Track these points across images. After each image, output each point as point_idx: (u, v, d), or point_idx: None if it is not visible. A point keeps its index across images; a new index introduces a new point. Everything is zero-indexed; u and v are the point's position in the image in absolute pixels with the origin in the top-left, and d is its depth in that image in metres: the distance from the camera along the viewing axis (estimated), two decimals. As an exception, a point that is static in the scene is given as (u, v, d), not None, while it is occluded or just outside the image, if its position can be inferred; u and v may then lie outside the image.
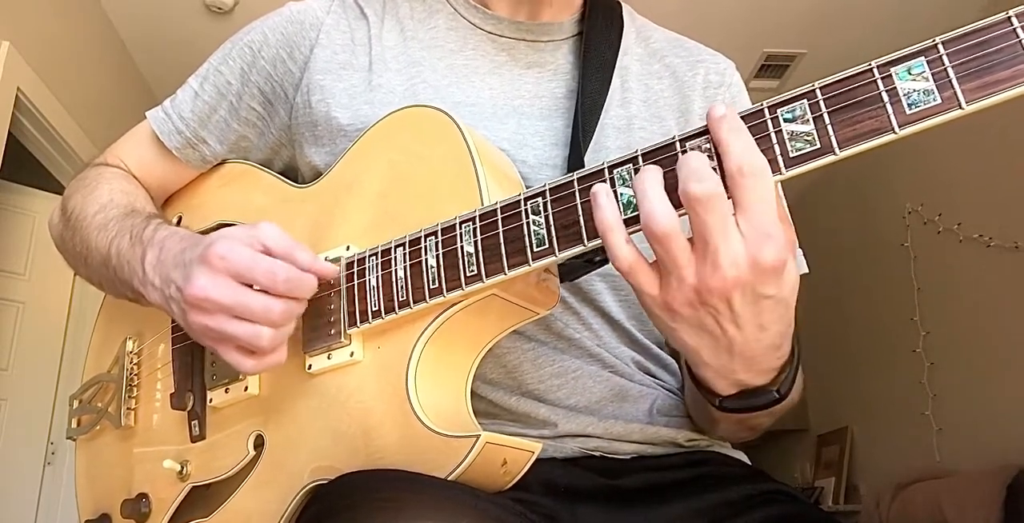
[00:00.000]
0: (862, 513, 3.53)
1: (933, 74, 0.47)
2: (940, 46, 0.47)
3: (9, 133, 2.53)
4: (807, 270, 0.84)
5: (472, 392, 0.69)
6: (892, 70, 0.48)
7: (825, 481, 4.07)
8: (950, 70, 0.46)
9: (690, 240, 0.51)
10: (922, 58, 0.47)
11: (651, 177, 0.51)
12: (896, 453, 3.62)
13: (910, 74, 0.47)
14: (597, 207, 0.53)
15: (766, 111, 0.51)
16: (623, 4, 0.91)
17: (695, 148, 0.52)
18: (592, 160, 0.76)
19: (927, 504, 2.87)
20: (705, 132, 0.53)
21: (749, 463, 0.80)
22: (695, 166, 0.49)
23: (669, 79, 0.87)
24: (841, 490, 3.92)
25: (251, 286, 0.63)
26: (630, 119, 0.83)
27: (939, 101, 0.47)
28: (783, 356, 0.59)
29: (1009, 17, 0.45)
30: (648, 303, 0.55)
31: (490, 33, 0.85)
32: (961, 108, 0.46)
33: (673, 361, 0.86)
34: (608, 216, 0.53)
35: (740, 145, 0.50)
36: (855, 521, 3.56)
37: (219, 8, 3.13)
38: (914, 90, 0.47)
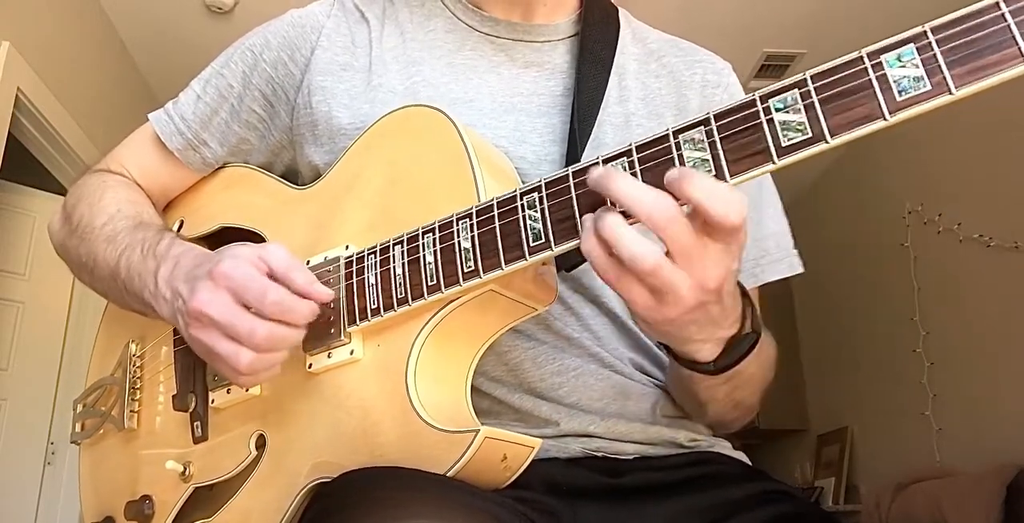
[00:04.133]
0: (862, 513, 3.53)
1: (922, 60, 0.47)
2: (929, 33, 0.47)
3: (9, 133, 2.53)
4: (801, 269, 0.84)
5: (475, 389, 0.70)
6: (882, 58, 0.48)
7: (825, 481, 4.07)
8: (939, 56, 0.47)
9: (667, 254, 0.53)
10: (911, 45, 0.48)
11: (614, 220, 0.52)
12: (896, 453, 3.63)
13: (900, 61, 0.48)
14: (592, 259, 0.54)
15: (757, 101, 0.52)
16: (619, 7, 0.92)
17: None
18: (591, 157, 0.77)
19: (927, 504, 2.87)
20: (699, 124, 0.53)
21: (750, 463, 0.81)
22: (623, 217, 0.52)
23: (667, 78, 0.87)
24: (841, 490, 3.92)
25: (250, 308, 0.64)
26: (628, 116, 0.83)
27: (929, 87, 0.47)
28: (739, 297, 0.62)
29: (997, 2, 0.46)
30: (652, 321, 0.57)
31: (487, 35, 0.85)
32: (951, 93, 0.46)
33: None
34: (607, 269, 0.54)
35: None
36: (855, 521, 3.56)
37: (219, 8, 3.13)
38: (904, 77, 0.48)
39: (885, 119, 0.48)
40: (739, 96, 0.88)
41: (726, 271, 0.54)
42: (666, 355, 0.69)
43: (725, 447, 0.81)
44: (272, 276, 0.65)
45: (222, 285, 0.63)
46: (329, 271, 0.69)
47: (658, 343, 0.82)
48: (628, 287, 0.54)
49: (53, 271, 3.22)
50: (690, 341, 0.61)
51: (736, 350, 0.63)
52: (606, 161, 0.56)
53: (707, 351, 0.62)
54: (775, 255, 0.83)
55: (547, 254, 0.58)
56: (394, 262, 0.65)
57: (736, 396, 0.73)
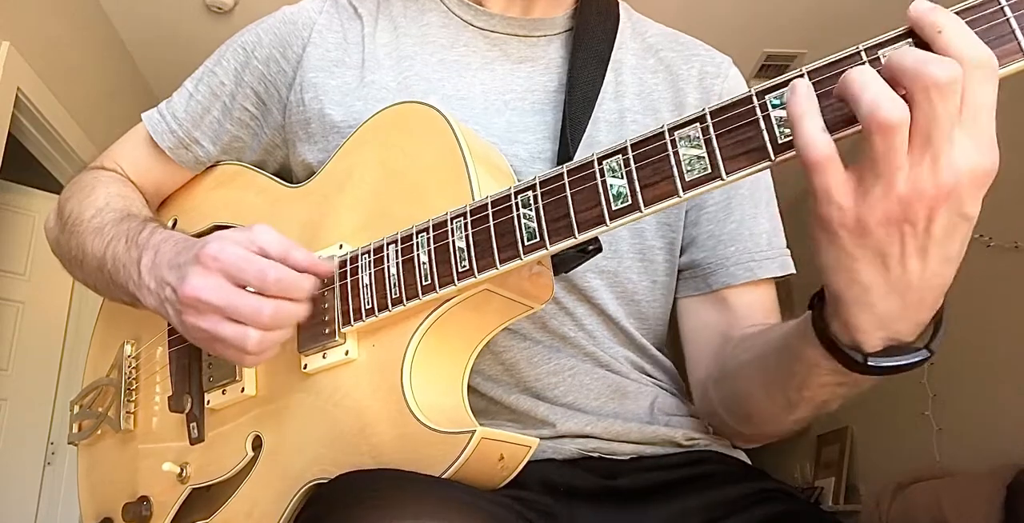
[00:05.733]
0: (862, 513, 3.53)
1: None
2: None
3: (9, 133, 2.53)
4: (793, 270, 0.83)
5: (471, 388, 0.69)
6: (880, 53, 0.47)
7: (825, 481, 4.07)
8: None
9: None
10: (910, 39, 0.47)
11: (866, 74, 0.45)
12: (896, 453, 3.62)
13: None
14: (793, 92, 0.47)
15: (754, 97, 0.51)
16: (620, 1, 0.91)
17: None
18: (585, 155, 0.76)
19: (927, 504, 2.86)
20: (694, 121, 0.52)
21: (748, 462, 0.80)
22: (923, 54, 0.44)
23: (664, 73, 0.87)
24: (841, 490, 3.92)
25: (245, 288, 0.63)
26: (622, 112, 0.83)
27: None
28: (938, 304, 0.53)
29: None
30: (832, 219, 0.48)
31: (482, 29, 0.85)
32: None
33: (670, 362, 0.86)
34: (802, 101, 0.47)
35: (965, 33, 0.44)
36: (855, 521, 3.56)
37: (219, 8, 3.13)
38: None
39: None
40: (740, 88, 0.88)
41: (949, 190, 0.46)
42: (816, 339, 0.57)
43: (723, 445, 0.80)
44: (266, 257, 0.64)
45: (213, 268, 0.63)
46: (324, 270, 0.69)
47: (808, 323, 0.60)
48: (831, 170, 0.46)
49: (53, 271, 3.19)
50: (866, 299, 0.51)
51: (901, 357, 0.54)
52: (601, 159, 0.56)
53: (870, 341, 0.54)
54: (768, 253, 0.82)
55: (542, 253, 0.57)
56: (388, 262, 0.65)
57: (831, 404, 0.66)
